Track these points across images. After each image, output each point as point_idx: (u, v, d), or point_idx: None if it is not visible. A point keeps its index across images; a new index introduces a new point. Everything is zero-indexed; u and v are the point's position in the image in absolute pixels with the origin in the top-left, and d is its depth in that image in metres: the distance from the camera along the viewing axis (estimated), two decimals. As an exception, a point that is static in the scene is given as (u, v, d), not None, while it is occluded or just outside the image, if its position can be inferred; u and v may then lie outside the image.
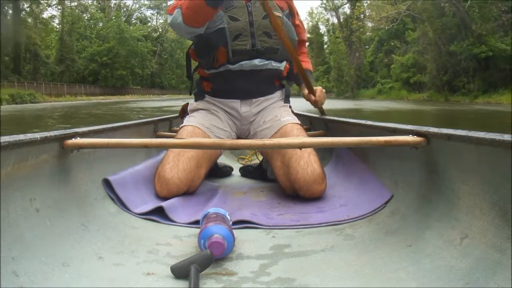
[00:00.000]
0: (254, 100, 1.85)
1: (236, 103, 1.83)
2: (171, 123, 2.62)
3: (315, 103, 1.98)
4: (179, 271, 0.89)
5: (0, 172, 0.90)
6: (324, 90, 2.00)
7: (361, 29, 44.88)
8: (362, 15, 42.63)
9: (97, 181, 1.39)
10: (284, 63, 1.84)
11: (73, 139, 1.22)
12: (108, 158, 1.51)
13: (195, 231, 1.13)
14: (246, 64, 1.71)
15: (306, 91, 1.94)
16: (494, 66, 26.48)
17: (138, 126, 2.01)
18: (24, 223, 0.94)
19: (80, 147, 1.23)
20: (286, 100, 1.95)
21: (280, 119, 1.79)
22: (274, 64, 1.77)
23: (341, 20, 48.58)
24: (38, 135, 1.04)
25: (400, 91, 36.94)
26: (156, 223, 1.30)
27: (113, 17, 45.73)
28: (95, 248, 1.03)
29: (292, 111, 1.94)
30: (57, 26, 45.56)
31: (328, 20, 56.25)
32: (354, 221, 1.29)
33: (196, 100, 1.94)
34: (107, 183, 1.41)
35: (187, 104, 1.98)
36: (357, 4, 41.89)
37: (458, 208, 0.98)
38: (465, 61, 28.00)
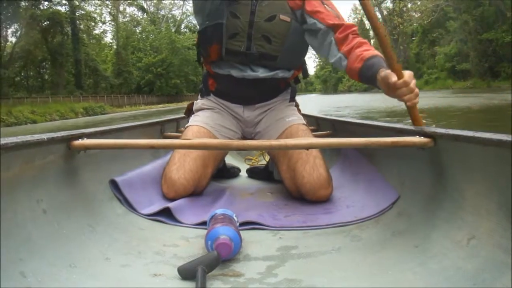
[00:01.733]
0: (257, 105, 1.82)
1: (238, 108, 1.82)
2: (178, 123, 2.62)
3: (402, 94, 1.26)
4: (186, 272, 0.89)
5: (0, 173, 0.90)
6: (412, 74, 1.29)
7: (405, 24, 45.14)
8: (404, 8, 42.87)
9: (104, 182, 1.40)
10: (293, 71, 1.78)
11: (80, 140, 1.22)
12: (115, 159, 1.51)
13: (202, 232, 1.13)
14: (249, 75, 1.67)
15: (392, 78, 1.26)
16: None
17: (144, 127, 2.01)
18: (31, 224, 0.95)
19: (87, 148, 1.23)
20: (292, 99, 1.89)
21: (286, 119, 1.77)
22: (281, 74, 1.71)
23: (384, 15, 48.67)
24: (45, 136, 1.04)
25: (446, 81, 37.19)
26: (163, 224, 1.30)
27: (163, 28, 46.79)
28: (102, 249, 1.04)
29: (299, 111, 1.90)
30: (110, 41, 47.83)
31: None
32: (361, 222, 1.29)
33: (202, 96, 1.91)
34: (114, 184, 1.41)
35: (193, 103, 1.97)
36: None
37: (465, 209, 0.98)
38: (501, 48, 28.44)
